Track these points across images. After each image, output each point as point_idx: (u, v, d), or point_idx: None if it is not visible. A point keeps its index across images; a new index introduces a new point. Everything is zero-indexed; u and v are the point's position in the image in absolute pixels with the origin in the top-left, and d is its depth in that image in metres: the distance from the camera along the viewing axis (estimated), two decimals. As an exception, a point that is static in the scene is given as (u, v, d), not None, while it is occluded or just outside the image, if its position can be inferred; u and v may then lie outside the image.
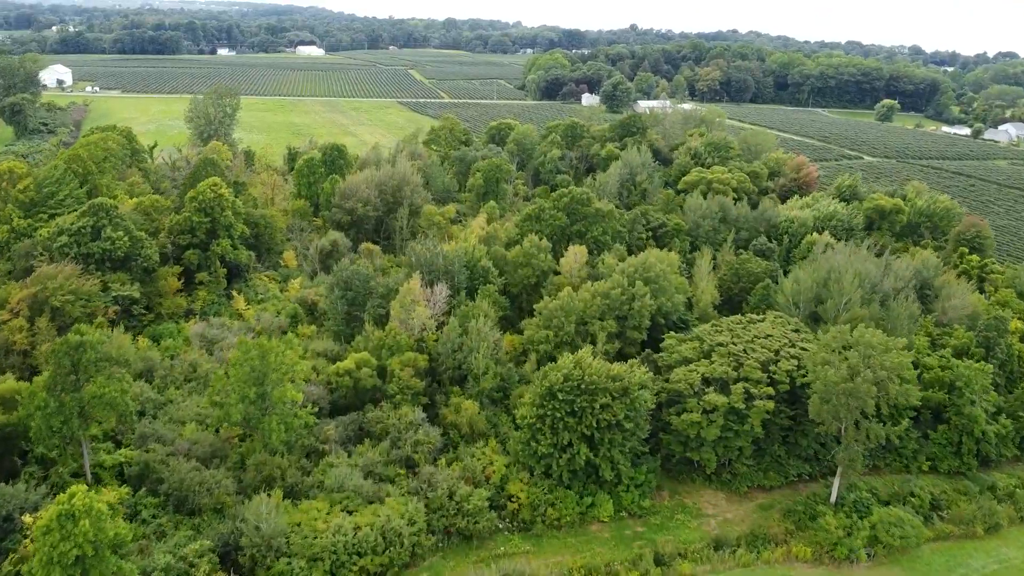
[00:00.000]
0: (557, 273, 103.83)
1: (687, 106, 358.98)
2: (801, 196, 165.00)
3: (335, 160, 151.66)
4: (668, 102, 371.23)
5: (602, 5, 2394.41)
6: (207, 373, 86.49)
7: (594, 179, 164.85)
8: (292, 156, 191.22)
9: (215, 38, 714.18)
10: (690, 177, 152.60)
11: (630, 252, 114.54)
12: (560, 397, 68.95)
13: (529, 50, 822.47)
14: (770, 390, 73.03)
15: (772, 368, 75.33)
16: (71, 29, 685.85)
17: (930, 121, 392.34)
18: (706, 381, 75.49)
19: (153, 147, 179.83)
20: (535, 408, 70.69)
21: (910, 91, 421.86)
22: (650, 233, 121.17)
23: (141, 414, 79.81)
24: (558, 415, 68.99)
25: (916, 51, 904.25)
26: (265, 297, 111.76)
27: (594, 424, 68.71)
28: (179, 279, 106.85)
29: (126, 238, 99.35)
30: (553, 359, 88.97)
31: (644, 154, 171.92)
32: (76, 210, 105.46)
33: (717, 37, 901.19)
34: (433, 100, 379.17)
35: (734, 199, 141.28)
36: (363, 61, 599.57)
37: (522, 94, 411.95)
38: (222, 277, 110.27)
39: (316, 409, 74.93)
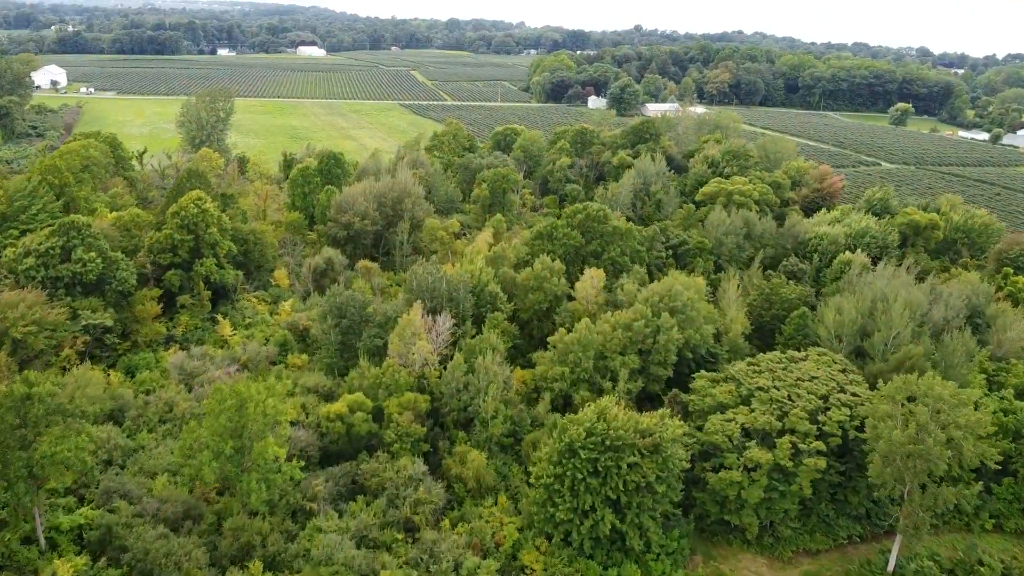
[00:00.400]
0: (571, 298, 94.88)
1: (698, 109, 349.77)
2: (827, 209, 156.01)
3: (331, 169, 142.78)
4: (677, 105, 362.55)
5: (606, 6, 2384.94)
6: (184, 413, 77.69)
7: (605, 189, 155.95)
8: (288, 163, 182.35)
9: (215, 38, 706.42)
10: (709, 188, 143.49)
11: (649, 273, 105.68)
12: (582, 455, 59.98)
13: (533, 51, 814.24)
14: (820, 445, 63.99)
15: (821, 418, 66.25)
16: (70, 29, 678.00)
17: (945, 125, 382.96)
18: (746, 432, 66.45)
19: (143, 153, 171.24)
20: (552, 466, 61.69)
21: (923, 94, 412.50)
22: (670, 252, 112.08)
23: (108, 463, 71.12)
24: (579, 475, 60.01)
25: (924, 53, 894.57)
26: (253, 321, 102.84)
27: (620, 486, 59.70)
28: (159, 302, 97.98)
29: (99, 259, 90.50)
30: (569, 399, 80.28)
31: (658, 162, 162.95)
32: (51, 225, 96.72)
33: (723, 38, 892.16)
34: (436, 102, 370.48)
35: (757, 213, 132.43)
36: (364, 62, 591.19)
37: (527, 96, 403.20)
38: (206, 300, 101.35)
39: (302, 464, 65.97)
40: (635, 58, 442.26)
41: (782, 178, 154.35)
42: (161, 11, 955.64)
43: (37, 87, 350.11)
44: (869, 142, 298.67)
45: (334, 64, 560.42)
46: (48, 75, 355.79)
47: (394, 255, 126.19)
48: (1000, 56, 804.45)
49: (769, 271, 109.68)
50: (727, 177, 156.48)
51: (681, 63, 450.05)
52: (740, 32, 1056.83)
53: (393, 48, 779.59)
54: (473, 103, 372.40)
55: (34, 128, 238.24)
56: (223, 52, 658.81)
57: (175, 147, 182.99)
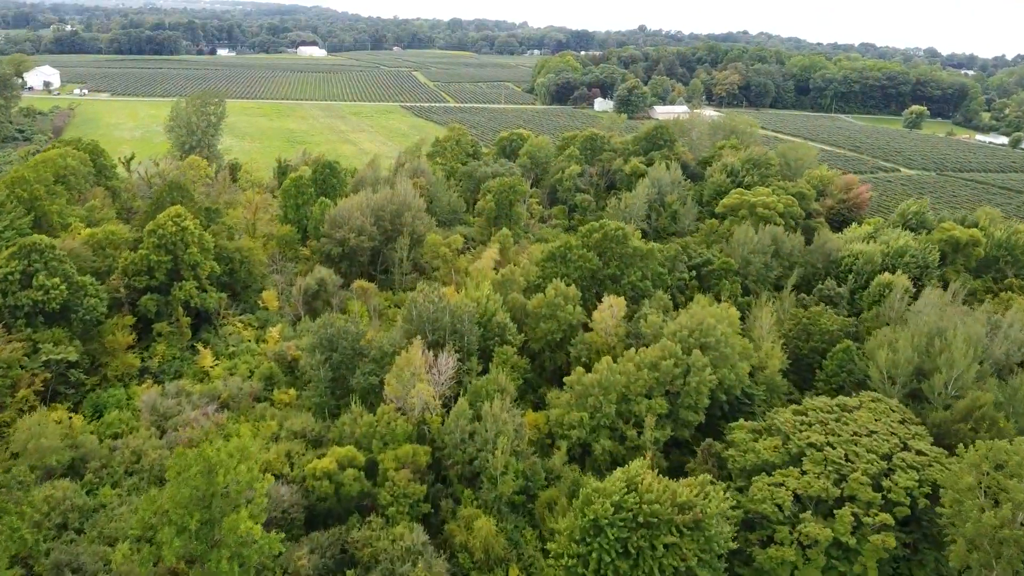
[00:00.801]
0: (588, 327, 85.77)
1: (707, 112, 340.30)
2: (856, 222, 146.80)
3: (326, 179, 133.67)
4: (686, 107, 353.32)
5: (609, 6, 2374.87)
6: (153, 465, 68.67)
7: (618, 199, 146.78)
8: (282, 170, 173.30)
9: (215, 38, 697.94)
10: (730, 200, 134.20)
11: (672, 298, 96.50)
12: (610, 534, 50.84)
13: (536, 51, 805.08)
14: (887, 517, 54.73)
15: (885, 483, 57.01)
16: (68, 28, 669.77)
17: (961, 128, 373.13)
18: (798, 500, 57.20)
19: (130, 159, 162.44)
20: (575, 544, 52.52)
21: (936, 96, 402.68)
22: (693, 273, 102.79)
23: (63, 527, 62.00)
24: (606, 558, 50.91)
25: (932, 53, 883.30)
26: (237, 350, 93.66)
27: (656, 570, 50.51)
28: (133, 331, 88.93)
29: (63, 286, 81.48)
30: (588, 448, 71.17)
31: (674, 171, 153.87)
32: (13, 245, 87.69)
33: (728, 38, 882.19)
34: (438, 104, 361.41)
35: (783, 228, 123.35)
36: (366, 62, 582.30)
37: (531, 98, 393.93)
38: (185, 327, 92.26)
39: (283, 536, 56.77)
40: (641, 59, 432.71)
41: (806, 188, 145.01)
42: (162, 11, 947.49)
43: (29, 88, 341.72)
44: (885, 146, 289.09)
45: (335, 65, 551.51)
46: (41, 76, 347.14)
47: (393, 273, 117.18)
48: (1009, 57, 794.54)
49: (802, 294, 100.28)
50: (748, 187, 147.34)
51: (688, 64, 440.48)
52: (745, 32, 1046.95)
53: (395, 48, 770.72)
54: (476, 105, 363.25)
55: (21, 132, 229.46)
56: (223, 52, 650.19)
57: (165, 152, 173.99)
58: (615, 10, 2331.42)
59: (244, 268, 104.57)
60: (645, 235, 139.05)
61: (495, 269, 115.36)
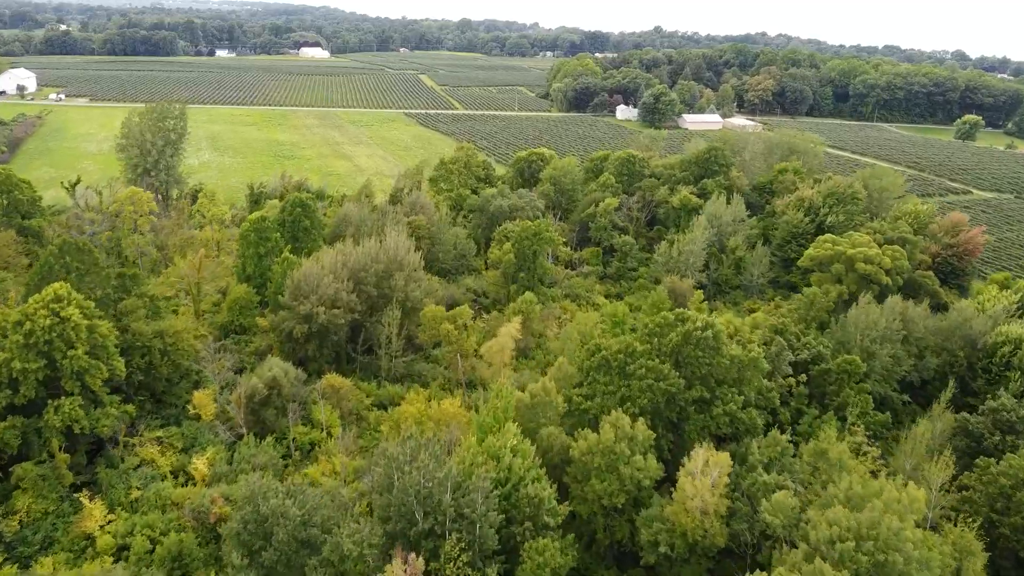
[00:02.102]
0: (661, 480, 55.82)
1: (741, 121, 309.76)
2: (963, 271, 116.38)
3: (297, 220, 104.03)
4: (718, 115, 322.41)
5: (621, 7, 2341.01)
6: None
7: (669, 243, 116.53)
8: (255, 197, 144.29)
9: (215, 39, 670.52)
10: (819, 251, 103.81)
11: (777, 423, 66.27)
12: None
13: (549, 53, 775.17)
14: None
15: None
16: (63, 28, 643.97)
17: (1020, 140, 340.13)
18: None
19: (75, 183, 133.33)
20: None
21: (988, 104, 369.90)
22: (803, 379, 72.07)
23: None
24: None
25: (961, 56, 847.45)
26: (144, 495, 64.04)
27: None
28: (-19, 477, 59.65)
29: None
30: None
31: (737, 206, 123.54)
32: None
33: (747, 40, 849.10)
34: (445, 111, 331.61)
35: (897, 292, 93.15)
36: (370, 64, 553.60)
37: (546, 104, 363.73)
38: (63, 467, 62.78)
39: None
40: (665, 62, 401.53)
41: (907, 232, 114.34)
42: (167, 11, 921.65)
43: (1, 92, 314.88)
44: (946, 162, 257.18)
45: (337, 67, 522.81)
46: (14, 79, 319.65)
47: (379, 355, 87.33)
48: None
49: (962, 414, 69.47)
50: (832, 228, 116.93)
51: (715, 67, 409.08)
52: (764, 34, 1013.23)
53: (402, 49, 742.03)
54: (487, 112, 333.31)
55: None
56: (222, 53, 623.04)
57: (115, 177, 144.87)
58: (628, 11, 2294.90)
59: (167, 362, 74.96)
60: (703, 291, 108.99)
61: (516, 354, 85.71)
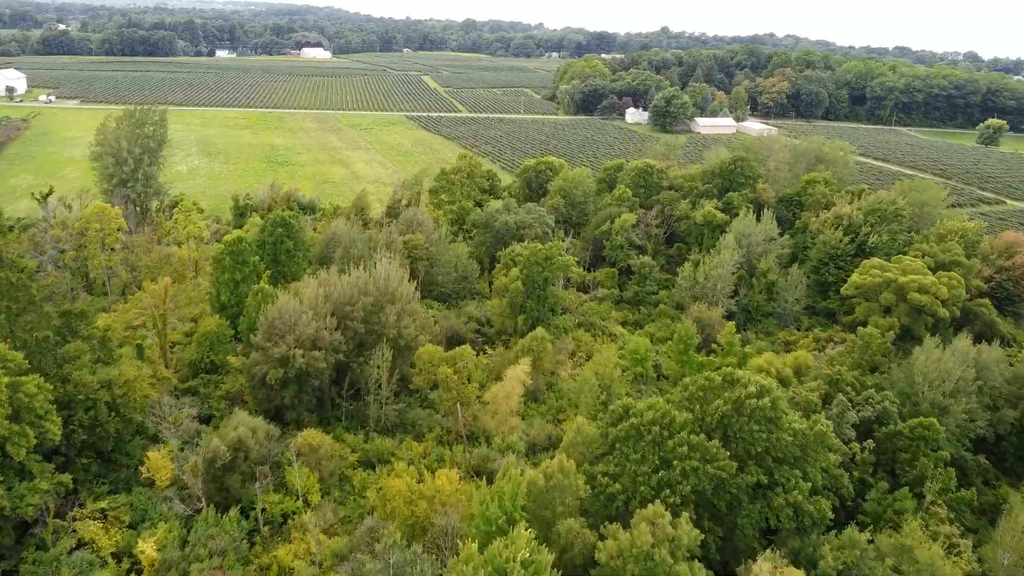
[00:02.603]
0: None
1: (755, 125, 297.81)
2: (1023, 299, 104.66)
3: (279, 242, 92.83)
4: (731, 119, 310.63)
5: (626, 7, 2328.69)
6: None
7: (693, 266, 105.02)
8: (240, 210, 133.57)
9: (216, 39, 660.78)
10: (865, 278, 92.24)
11: (839, 501, 54.66)
12: None
13: (554, 54, 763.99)
14: None
15: None
16: (62, 27, 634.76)
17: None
18: None
19: (48, 194, 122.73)
20: None
21: (1011, 107, 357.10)
22: (869, 445, 60.30)
23: None
24: None
25: (973, 58, 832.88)
26: (76, 591, 52.84)
27: None
28: None
29: None
30: None
31: (767, 223, 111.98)
32: None
33: (755, 40, 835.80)
34: (448, 114, 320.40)
35: (954, 324, 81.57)
36: (373, 65, 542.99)
37: (552, 107, 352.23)
38: (-26, 560, 51.63)
39: None
40: (675, 63, 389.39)
41: (958, 255, 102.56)
42: (168, 11, 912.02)
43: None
44: (973, 169, 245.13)
45: (338, 67, 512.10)
46: (3, 80, 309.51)
47: (367, 401, 75.98)
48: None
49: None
50: (872, 249, 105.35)
51: (727, 69, 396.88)
52: (772, 35, 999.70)
53: (405, 50, 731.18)
54: (491, 115, 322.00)
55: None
56: (222, 54, 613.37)
57: (88, 188, 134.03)
58: (633, 12, 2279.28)
59: (117, 417, 63.71)
60: (732, 321, 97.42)
61: (524, 397, 74.54)
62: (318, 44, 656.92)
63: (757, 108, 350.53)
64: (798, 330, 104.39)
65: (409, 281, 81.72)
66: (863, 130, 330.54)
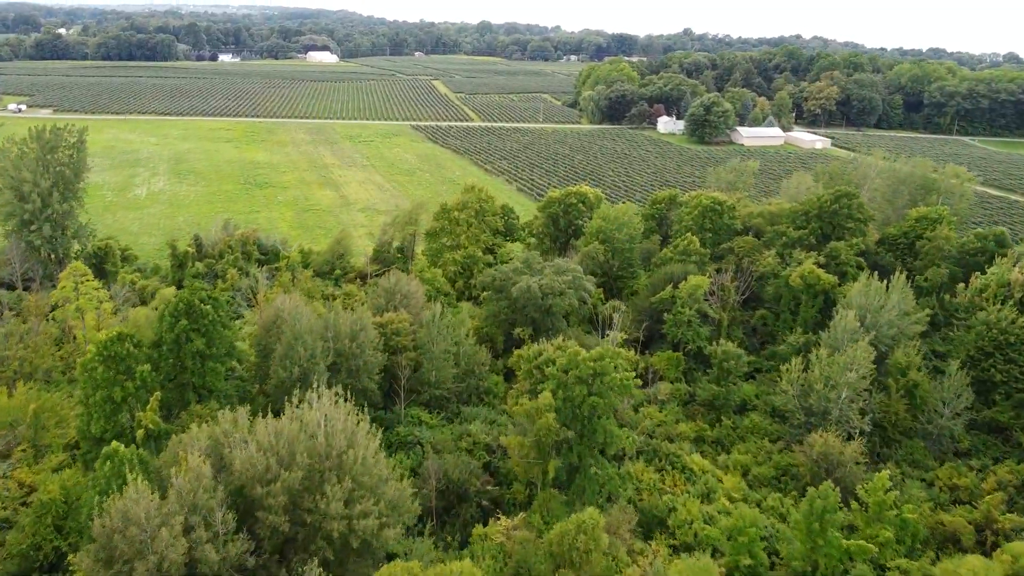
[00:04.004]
0: None
1: (803, 135, 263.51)
2: None
3: (185, 339, 60.67)
4: (778, 128, 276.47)
5: (646, 9, 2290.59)
6: None
7: (802, 364, 71.86)
8: (179, 261, 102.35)
9: (220, 42, 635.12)
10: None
11: None
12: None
13: (573, 57, 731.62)
14: None
15: None
16: (61, 31, 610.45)
17: None
18: None
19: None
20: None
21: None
22: None
23: None
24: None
25: (1014, 59, 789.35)
26: None
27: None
28: None
29: None
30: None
31: (902, 293, 78.61)
32: None
33: (780, 42, 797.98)
34: (459, 123, 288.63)
35: None
36: (382, 69, 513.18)
37: (574, 114, 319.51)
38: None
39: None
40: (708, 66, 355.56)
41: None
42: (176, 15, 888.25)
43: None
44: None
45: (344, 72, 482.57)
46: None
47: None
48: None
49: None
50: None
51: (765, 72, 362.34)
52: (799, 36, 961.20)
53: (417, 53, 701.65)
54: (506, 124, 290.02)
55: None
56: (225, 58, 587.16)
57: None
58: (653, 13, 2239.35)
59: None
60: (862, 443, 64.43)
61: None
62: (325, 48, 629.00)
63: (802, 115, 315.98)
64: (957, 456, 71.10)
65: (390, 382, 49.31)
66: (922, 140, 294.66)
